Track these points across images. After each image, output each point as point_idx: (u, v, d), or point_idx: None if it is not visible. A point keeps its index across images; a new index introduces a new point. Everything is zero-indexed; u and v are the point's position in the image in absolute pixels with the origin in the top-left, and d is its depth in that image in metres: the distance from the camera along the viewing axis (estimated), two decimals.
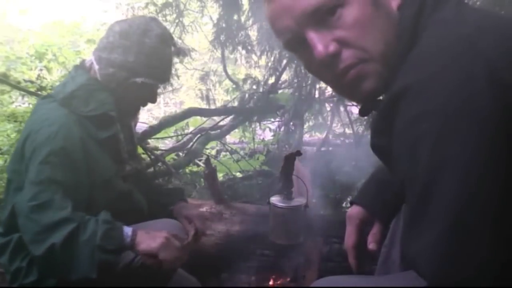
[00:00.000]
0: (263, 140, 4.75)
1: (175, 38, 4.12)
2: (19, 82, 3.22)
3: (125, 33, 1.23)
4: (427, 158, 0.52)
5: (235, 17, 3.74)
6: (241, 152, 4.35)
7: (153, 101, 1.35)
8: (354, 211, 0.99)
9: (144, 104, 1.38)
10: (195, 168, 3.83)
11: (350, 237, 0.98)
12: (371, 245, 0.94)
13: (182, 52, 1.36)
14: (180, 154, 3.87)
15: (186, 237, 1.31)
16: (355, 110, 4.12)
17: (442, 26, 0.59)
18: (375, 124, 0.65)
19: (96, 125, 1.19)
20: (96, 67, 1.24)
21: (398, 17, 0.65)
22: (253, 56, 4.16)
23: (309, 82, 3.65)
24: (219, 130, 4.17)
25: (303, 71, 3.64)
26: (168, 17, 4.20)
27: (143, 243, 1.14)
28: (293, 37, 0.67)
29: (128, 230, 1.15)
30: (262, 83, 4.05)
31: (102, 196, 1.20)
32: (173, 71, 3.68)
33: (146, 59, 1.24)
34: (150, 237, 1.16)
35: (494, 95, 0.50)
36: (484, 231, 0.50)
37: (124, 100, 1.27)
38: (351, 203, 1.03)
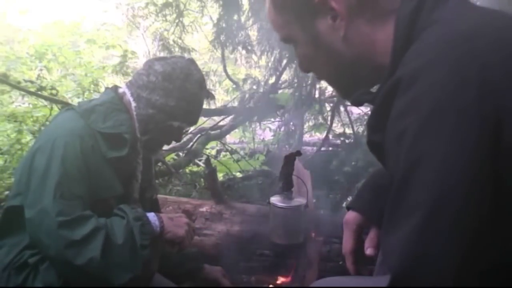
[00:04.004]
0: (263, 140, 4.75)
1: (176, 39, 4.09)
2: (19, 82, 3.22)
3: (168, 76, 1.22)
4: (406, 152, 0.51)
5: (235, 17, 3.74)
6: (241, 152, 4.35)
7: (179, 140, 1.38)
8: (350, 216, 0.98)
9: (169, 143, 1.40)
10: (195, 168, 3.83)
11: (347, 242, 0.97)
12: (369, 250, 0.93)
13: (211, 96, 1.40)
14: (180, 154, 3.87)
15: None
16: (355, 110, 4.13)
17: (440, 24, 0.59)
18: (370, 119, 0.65)
19: (108, 143, 1.17)
20: (133, 104, 1.23)
21: (395, 17, 0.65)
22: (253, 56, 4.16)
23: (309, 82, 3.65)
24: (219, 130, 4.17)
25: None
26: (168, 17, 4.21)
27: (170, 231, 1.16)
28: (282, 39, 0.76)
29: (154, 219, 1.15)
30: (262, 83, 4.05)
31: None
32: None
33: (185, 105, 1.24)
34: (175, 225, 1.18)
35: (483, 96, 0.49)
36: (454, 235, 0.47)
37: (154, 139, 1.28)
38: (348, 208, 1.02)
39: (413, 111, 0.52)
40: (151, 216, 1.15)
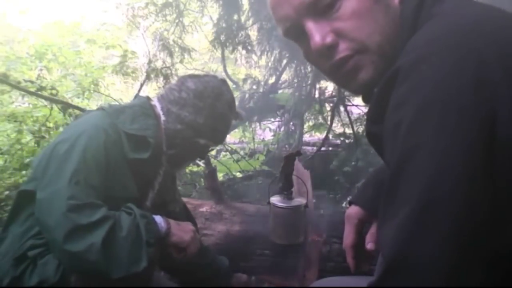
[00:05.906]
0: (263, 140, 4.76)
1: (176, 39, 4.08)
2: (19, 82, 3.21)
3: (199, 93, 1.25)
4: (401, 143, 0.51)
5: (235, 17, 3.75)
6: (241, 152, 4.35)
7: (203, 157, 1.41)
8: (352, 211, 0.99)
9: (194, 159, 1.42)
10: (195, 168, 3.83)
11: (348, 237, 0.98)
12: (369, 245, 0.93)
13: (240, 117, 1.42)
14: None
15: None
16: (355, 110, 4.13)
17: (441, 17, 0.59)
18: (369, 110, 0.65)
19: (132, 145, 1.18)
20: (162, 117, 1.26)
21: (400, 9, 0.65)
22: (253, 56, 4.17)
23: (309, 82, 3.66)
24: None
25: (303, 71, 3.65)
26: (168, 17, 4.21)
27: (175, 235, 1.16)
28: (292, 26, 0.68)
29: (160, 221, 1.15)
30: (262, 83, 4.05)
31: None
32: (173, 71, 3.69)
33: (213, 123, 1.27)
34: (181, 229, 1.18)
35: (479, 92, 0.49)
36: (447, 224, 0.47)
37: (179, 154, 1.29)
38: (350, 203, 1.03)
39: (409, 102, 0.52)
40: (158, 218, 1.15)
